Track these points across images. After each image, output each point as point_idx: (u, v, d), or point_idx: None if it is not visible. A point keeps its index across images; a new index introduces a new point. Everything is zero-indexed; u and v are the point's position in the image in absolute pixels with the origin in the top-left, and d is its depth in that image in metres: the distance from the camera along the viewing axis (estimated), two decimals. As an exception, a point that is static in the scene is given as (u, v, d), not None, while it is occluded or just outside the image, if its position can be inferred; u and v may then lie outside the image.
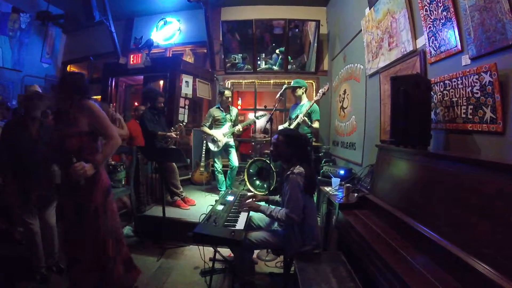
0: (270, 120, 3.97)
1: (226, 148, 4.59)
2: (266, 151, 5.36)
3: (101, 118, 2.09)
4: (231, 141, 4.61)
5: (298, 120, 3.79)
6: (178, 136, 4.19)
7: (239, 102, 8.71)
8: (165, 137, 4.07)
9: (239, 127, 4.52)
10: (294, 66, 6.52)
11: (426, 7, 2.41)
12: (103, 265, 2.15)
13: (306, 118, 3.75)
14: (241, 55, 6.56)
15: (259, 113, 4.58)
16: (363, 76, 3.92)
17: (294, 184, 2.22)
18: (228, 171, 4.60)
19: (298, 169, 2.27)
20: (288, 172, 2.30)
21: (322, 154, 4.82)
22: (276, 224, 2.61)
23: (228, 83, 6.45)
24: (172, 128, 4.15)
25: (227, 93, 4.56)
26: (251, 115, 8.02)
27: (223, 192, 4.33)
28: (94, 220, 2.10)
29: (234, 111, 4.70)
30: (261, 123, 4.80)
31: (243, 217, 2.40)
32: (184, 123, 4.28)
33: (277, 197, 2.76)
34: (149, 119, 4.07)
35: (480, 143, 1.90)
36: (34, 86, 3.06)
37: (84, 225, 2.10)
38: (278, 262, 3.09)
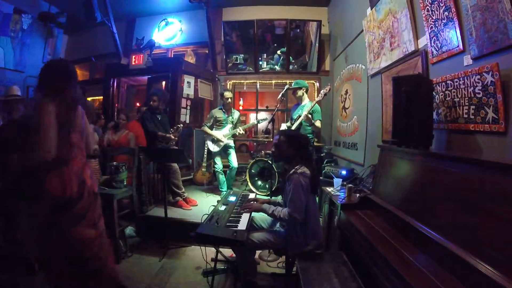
0: (272, 120, 3.98)
1: (225, 149, 4.61)
2: (268, 151, 5.37)
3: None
4: (231, 143, 4.65)
5: (302, 117, 3.79)
6: (176, 138, 4.19)
7: (241, 102, 8.71)
8: (165, 138, 4.07)
9: (240, 129, 4.54)
10: (295, 66, 6.51)
11: (427, 7, 2.40)
12: None
13: (309, 116, 3.75)
14: (242, 55, 6.56)
15: (261, 117, 4.59)
16: (364, 76, 3.92)
17: (297, 183, 2.22)
18: (228, 171, 4.62)
19: (301, 169, 2.27)
20: (291, 172, 2.30)
21: (324, 154, 4.82)
22: (278, 225, 2.62)
23: (229, 84, 6.46)
24: (172, 129, 4.16)
25: (227, 94, 4.59)
26: (252, 116, 8.03)
27: (224, 192, 4.34)
28: (41, 239, 1.87)
29: (236, 113, 4.73)
30: (263, 124, 4.81)
31: (245, 217, 2.40)
32: (182, 125, 4.28)
33: (278, 199, 2.76)
34: (149, 119, 4.09)
35: (482, 143, 1.90)
36: (12, 89, 3.04)
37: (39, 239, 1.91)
38: (280, 262, 3.09)
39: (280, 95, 4.22)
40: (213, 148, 4.58)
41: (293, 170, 2.30)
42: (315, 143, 4.70)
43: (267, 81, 6.44)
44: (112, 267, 2.10)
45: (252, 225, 2.57)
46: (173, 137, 4.09)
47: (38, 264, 2.67)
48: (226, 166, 4.68)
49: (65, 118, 1.92)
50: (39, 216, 1.83)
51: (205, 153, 5.17)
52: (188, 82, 5.60)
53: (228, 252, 3.16)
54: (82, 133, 2.06)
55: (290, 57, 6.40)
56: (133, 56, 5.86)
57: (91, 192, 1.98)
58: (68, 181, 1.84)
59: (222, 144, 4.52)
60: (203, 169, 5.32)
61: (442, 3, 2.21)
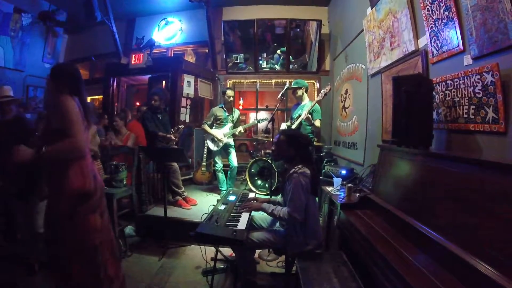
0: (272, 120, 3.98)
1: (226, 148, 4.61)
2: (268, 151, 5.37)
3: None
4: (231, 141, 4.64)
5: (302, 116, 3.79)
6: (177, 139, 4.18)
7: (241, 101, 8.71)
8: (165, 138, 4.07)
9: (240, 128, 4.54)
10: (295, 66, 6.51)
11: (428, 6, 2.40)
12: None
13: (309, 115, 3.76)
14: (242, 55, 6.56)
15: (261, 117, 4.59)
16: (365, 76, 3.92)
17: (297, 183, 2.22)
18: (228, 171, 4.62)
19: (302, 169, 2.27)
20: (291, 172, 2.30)
21: (323, 154, 4.82)
22: (278, 224, 2.62)
23: (229, 83, 6.45)
24: (172, 130, 4.15)
25: (229, 92, 4.59)
26: (252, 115, 8.03)
27: (224, 191, 4.34)
28: (55, 232, 1.90)
29: (236, 112, 4.73)
30: (263, 123, 4.82)
31: (245, 217, 2.40)
32: (182, 126, 4.28)
33: (278, 198, 2.76)
34: (149, 119, 4.07)
35: (482, 143, 1.90)
36: (3, 89, 3.00)
37: (49, 235, 1.94)
38: (280, 262, 3.09)
39: (280, 95, 4.22)
40: (213, 147, 4.57)
41: (293, 169, 2.30)
42: (315, 143, 4.70)
43: (267, 81, 6.43)
44: (113, 265, 2.10)
45: (251, 225, 2.57)
46: (173, 137, 4.09)
47: (39, 264, 2.68)
48: (226, 166, 4.68)
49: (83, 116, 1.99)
50: (60, 208, 1.87)
51: (205, 152, 5.17)
52: (188, 81, 5.59)
53: (227, 251, 3.16)
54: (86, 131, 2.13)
55: (290, 57, 6.39)
56: (133, 56, 5.85)
57: (100, 186, 2.07)
58: (87, 175, 1.94)
59: (222, 143, 4.51)
60: (203, 169, 5.32)
61: (442, 3, 2.20)
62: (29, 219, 2.67)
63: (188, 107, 5.78)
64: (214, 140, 4.55)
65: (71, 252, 1.89)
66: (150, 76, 6.07)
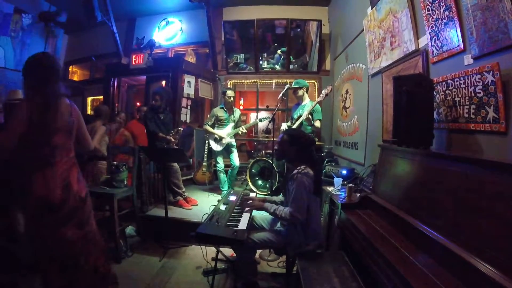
0: (272, 120, 3.98)
1: (228, 148, 4.60)
2: (268, 151, 5.38)
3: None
4: (233, 141, 4.65)
5: (303, 117, 3.79)
6: (176, 140, 4.17)
7: (241, 102, 8.70)
8: (165, 139, 4.06)
9: (242, 128, 4.54)
10: (296, 66, 6.51)
11: (428, 6, 2.40)
12: None
13: (310, 116, 3.76)
14: (243, 55, 6.56)
15: (262, 115, 4.59)
16: (365, 76, 3.91)
17: (300, 184, 2.22)
18: (229, 170, 4.62)
19: (305, 169, 2.27)
20: (294, 172, 2.30)
21: (324, 154, 4.82)
22: (278, 224, 2.61)
23: (230, 83, 6.45)
24: (172, 132, 4.14)
25: (229, 93, 4.59)
26: (253, 115, 8.02)
27: (225, 191, 4.34)
28: (31, 237, 1.88)
29: (237, 112, 4.73)
30: (263, 124, 4.82)
31: (245, 217, 2.40)
32: (182, 129, 4.27)
33: (274, 198, 2.76)
34: (151, 119, 4.06)
35: (482, 143, 1.89)
36: (17, 92, 2.98)
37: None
38: (281, 262, 3.09)
39: (280, 95, 4.21)
40: (216, 147, 4.57)
41: (297, 170, 2.29)
42: (316, 143, 4.70)
43: (268, 81, 6.43)
44: (101, 265, 2.08)
45: (252, 225, 2.57)
46: (173, 139, 4.07)
47: (31, 262, 2.67)
48: (227, 166, 4.68)
49: (42, 118, 1.82)
50: (28, 216, 1.83)
51: (206, 152, 5.17)
52: (188, 81, 5.59)
53: (228, 251, 3.16)
54: (70, 132, 1.98)
55: (291, 57, 6.39)
56: (134, 56, 5.87)
57: (77, 197, 1.92)
58: (51, 185, 1.80)
59: (224, 143, 4.51)
60: (203, 169, 5.32)
61: (442, 3, 2.20)
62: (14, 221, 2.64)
63: (189, 107, 5.78)
64: (217, 139, 4.55)
65: (47, 259, 1.85)
66: (146, 76, 6.07)
